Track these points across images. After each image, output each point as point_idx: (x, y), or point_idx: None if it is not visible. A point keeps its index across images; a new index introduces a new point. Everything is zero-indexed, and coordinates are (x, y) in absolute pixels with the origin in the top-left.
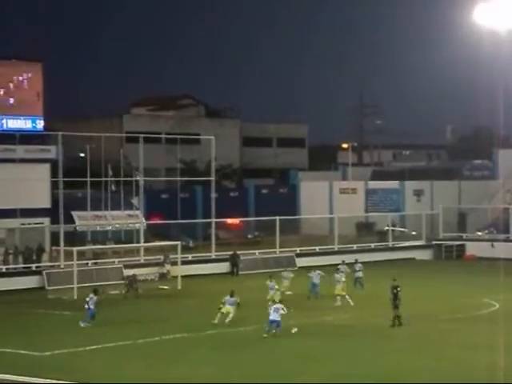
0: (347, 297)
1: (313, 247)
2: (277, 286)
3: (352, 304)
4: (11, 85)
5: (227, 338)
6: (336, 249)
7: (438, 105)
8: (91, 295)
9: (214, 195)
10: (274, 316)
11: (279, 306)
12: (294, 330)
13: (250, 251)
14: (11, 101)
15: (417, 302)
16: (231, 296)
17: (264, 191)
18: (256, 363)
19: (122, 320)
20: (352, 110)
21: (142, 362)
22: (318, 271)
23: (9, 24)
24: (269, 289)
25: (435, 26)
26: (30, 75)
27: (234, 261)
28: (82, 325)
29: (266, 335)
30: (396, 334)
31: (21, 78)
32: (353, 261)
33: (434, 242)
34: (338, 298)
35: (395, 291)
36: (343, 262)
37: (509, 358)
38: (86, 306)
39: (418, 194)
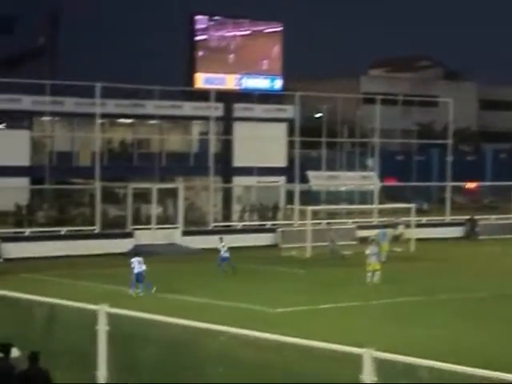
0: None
1: None
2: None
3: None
4: (251, 44)
5: (462, 304)
6: None
7: None
8: (133, 258)
9: (450, 159)
10: None
11: None
12: None
13: (486, 216)
14: (251, 61)
15: None
16: None
17: (502, 155)
18: (487, 332)
19: (353, 281)
20: None
21: (372, 323)
22: (223, 244)
23: None
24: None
25: None
26: (270, 35)
27: (471, 225)
28: (131, 292)
29: None
30: None
31: (261, 38)
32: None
33: None
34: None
35: None
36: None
37: None
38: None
39: None
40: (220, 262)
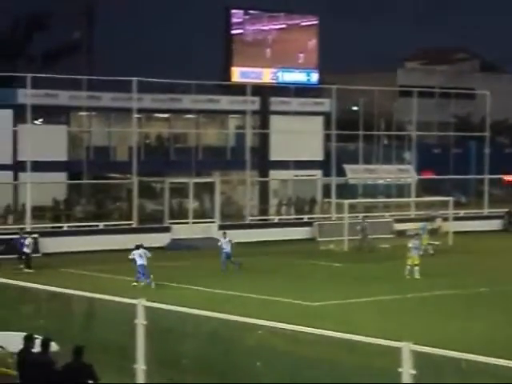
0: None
1: None
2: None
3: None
4: (286, 38)
5: (500, 297)
6: None
7: None
8: (135, 251)
9: (487, 151)
10: None
11: None
12: None
13: None
14: (287, 54)
15: None
16: None
17: None
18: None
19: (391, 274)
20: None
21: (410, 316)
22: (228, 239)
23: None
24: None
25: None
26: (305, 28)
27: (509, 218)
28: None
29: None
30: None
31: (297, 32)
32: None
33: None
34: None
35: None
36: None
37: None
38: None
39: None
40: (224, 257)
